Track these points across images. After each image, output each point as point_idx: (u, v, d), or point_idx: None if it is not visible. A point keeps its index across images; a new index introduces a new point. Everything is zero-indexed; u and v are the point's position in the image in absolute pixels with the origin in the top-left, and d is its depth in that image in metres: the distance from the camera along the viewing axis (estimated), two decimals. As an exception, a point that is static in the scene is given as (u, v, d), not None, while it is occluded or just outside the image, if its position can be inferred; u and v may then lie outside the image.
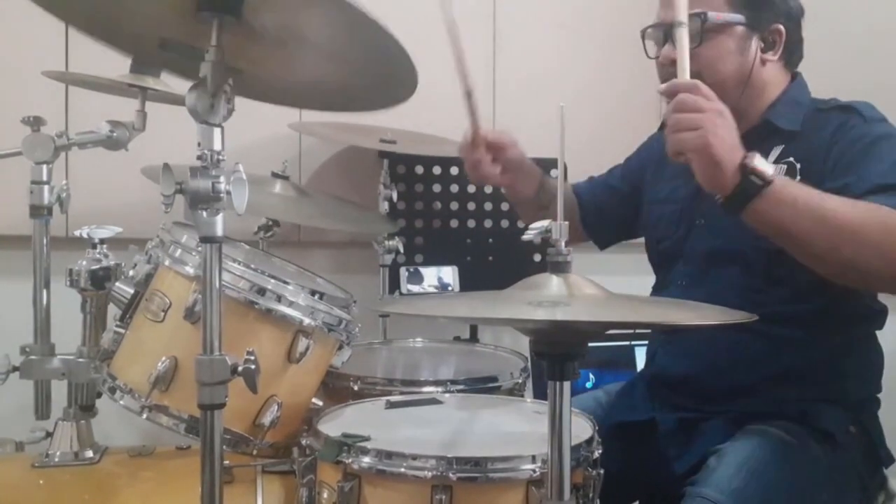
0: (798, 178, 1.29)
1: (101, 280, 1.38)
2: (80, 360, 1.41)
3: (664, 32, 1.37)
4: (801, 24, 1.40)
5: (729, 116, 1.17)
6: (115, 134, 1.44)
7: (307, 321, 1.24)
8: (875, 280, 1.20)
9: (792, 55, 1.40)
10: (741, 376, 1.35)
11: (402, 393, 1.42)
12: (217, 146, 1.00)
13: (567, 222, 0.95)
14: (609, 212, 1.67)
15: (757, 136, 1.35)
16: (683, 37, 1.21)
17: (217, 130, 1.00)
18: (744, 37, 1.35)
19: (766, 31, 1.36)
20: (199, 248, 1.01)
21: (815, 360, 1.33)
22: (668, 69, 1.32)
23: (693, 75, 1.26)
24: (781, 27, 1.36)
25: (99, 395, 1.40)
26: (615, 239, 1.71)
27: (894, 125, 1.30)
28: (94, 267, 1.39)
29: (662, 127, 1.49)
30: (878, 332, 1.40)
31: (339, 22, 1.00)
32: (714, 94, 1.17)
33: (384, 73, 1.10)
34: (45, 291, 1.45)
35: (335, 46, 1.05)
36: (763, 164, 1.14)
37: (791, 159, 1.32)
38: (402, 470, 1.02)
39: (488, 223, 2.10)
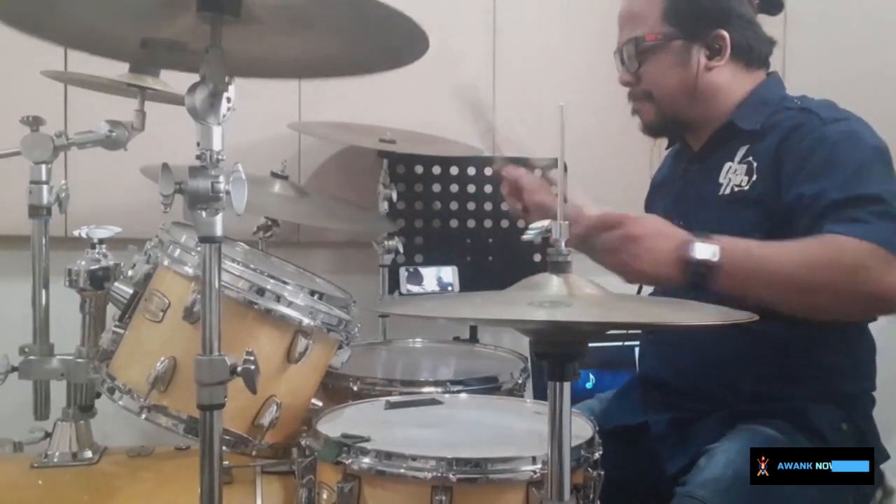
0: (755, 176, 1.32)
1: (100, 280, 1.38)
2: (79, 360, 1.40)
3: (619, 56, 1.47)
4: (753, 24, 1.42)
5: (645, 228, 1.19)
6: (114, 134, 1.44)
7: (306, 321, 1.24)
8: (853, 314, 1.26)
9: (749, 55, 1.41)
10: (730, 376, 1.35)
11: (401, 393, 1.41)
12: (216, 146, 0.99)
13: (567, 222, 0.95)
14: None
15: (722, 138, 1.40)
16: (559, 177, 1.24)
17: (216, 130, 1.00)
18: (682, 49, 1.39)
19: (708, 38, 1.39)
20: (199, 248, 1.00)
21: (805, 358, 1.33)
22: (628, 87, 1.47)
23: (644, 94, 1.43)
24: (724, 32, 1.39)
25: (98, 395, 1.40)
26: None
27: (854, 122, 1.30)
28: (93, 267, 1.38)
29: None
30: (871, 328, 1.39)
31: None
32: (621, 217, 1.20)
33: (389, 37, 1.08)
34: (44, 291, 1.44)
35: (332, 19, 1.03)
36: (702, 252, 1.16)
37: (750, 158, 1.34)
38: (402, 471, 1.02)
39: (488, 223, 2.10)
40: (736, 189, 1.34)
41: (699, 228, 1.28)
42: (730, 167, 1.37)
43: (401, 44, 1.07)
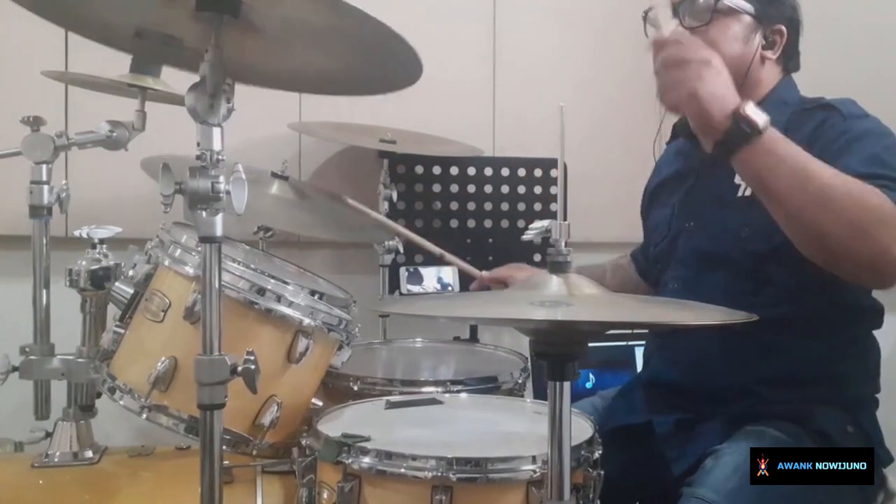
0: None
1: (100, 280, 1.38)
2: (80, 360, 1.40)
3: (673, 8, 1.37)
4: (799, 33, 1.41)
5: (718, 64, 1.15)
6: (114, 134, 1.44)
7: (307, 321, 1.24)
8: (850, 261, 1.15)
9: (789, 59, 1.41)
10: (736, 378, 1.35)
11: (402, 393, 1.41)
12: (216, 146, 1.00)
13: (567, 222, 0.95)
14: (647, 251, 1.64)
15: None
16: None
17: (217, 130, 1.00)
18: (750, 27, 1.37)
19: (770, 28, 1.38)
20: (199, 248, 1.01)
21: (811, 360, 1.32)
22: None
23: None
24: (784, 28, 1.38)
25: (98, 395, 1.40)
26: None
27: (876, 120, 1.30)
28: (93, 267, 1.38)
29: (673, 137, 1.52)
30: (876, 332, 1.39)
31: (334, 15, 0.99)
32: (702, 42, 1.18)
33: (386, 60, 1.09)
34: (44, 291, 1.44)
35: (332, 37, 1.04)
36: (756, 114, 1.12)
37: None
38: (402, 470, 1.02)
39: (488, 223, 2.10)
40: None
41: (715, 229, 1.27)
42: None
43: (396, 67, 1.08)
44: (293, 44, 1.08)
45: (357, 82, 1.22)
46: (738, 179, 1.34)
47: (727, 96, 1.14)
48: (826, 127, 1.29)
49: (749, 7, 1.36)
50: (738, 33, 1.36)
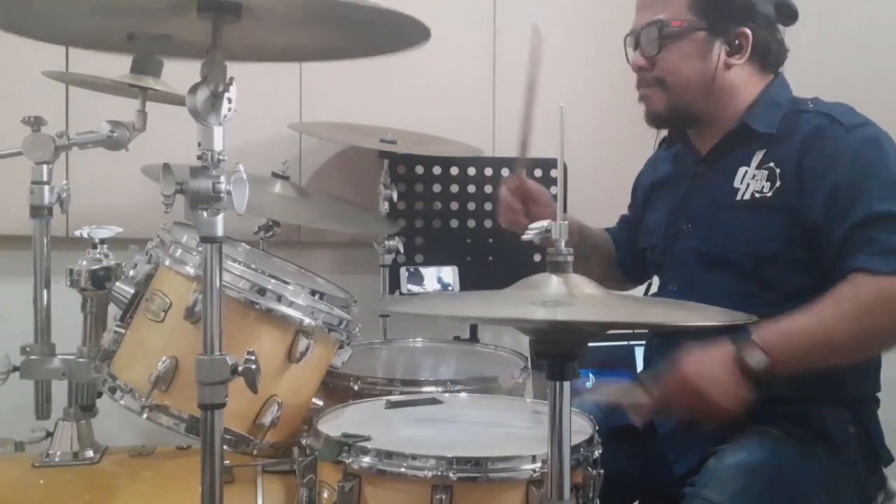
0: (778, 182, 1.30)
1: (101, 280, 1.38)
2: (81, 359, 1.40)
3: (634, 38, 1.42)
4: (772, 27, 1.40)
5: (696, 379, 1.20)
6: (115, 134, 1.44)
7: (307, 321, 1.24)
8: None
9: (766, 57, 1.40)
10: None
11: (402, 393, 1.42)
12: (217, 146, 1.00)
13: (567, 223, 0.95)
14: (635, 244, 1.64)
15: (736, 140, 1.38)
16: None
17: (217, 130, 1.00)
18: (705, 42, 1.37)
19: (731, 35, 1.37)
20: (200, 248, 1.01)
21: None
22: (640, 73, 1.41)
23: (657, 80, 1.39)
24: (748, 31, 1.37)
25: (99, 394, 1.40)
26: (647, 274, 1.65)
27: (873, 127, 1.30)
28: (94, 267, 1.39)
29: (661, 144, 1.53)
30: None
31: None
32: (672, 385, 1.22)
33: (389, 29, 1.09)
34: (45, 291, 1.44)
35: (333, 17, 1.04)
36: (751, 358, 1.19)
37: (771, 164, 1.32)
38: (403, 470, 1.02)
39: (488, 223, 2.10)
40: (757, 195, 1.32)
41: (715, 231, 1.28)
42: (746, 172, 1.34)
43: (402, 32, 1.07)
44: (294, 25, 1.07)
45: (364, 49, 1.21)
46: (737, 183, 1.35)
47: (733, 384, 1.20)
48: (824, 137, 1.28)
49: (699, 23, 1.36)
50: (693, 51, 1.37)
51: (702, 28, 1.36)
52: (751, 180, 1.34)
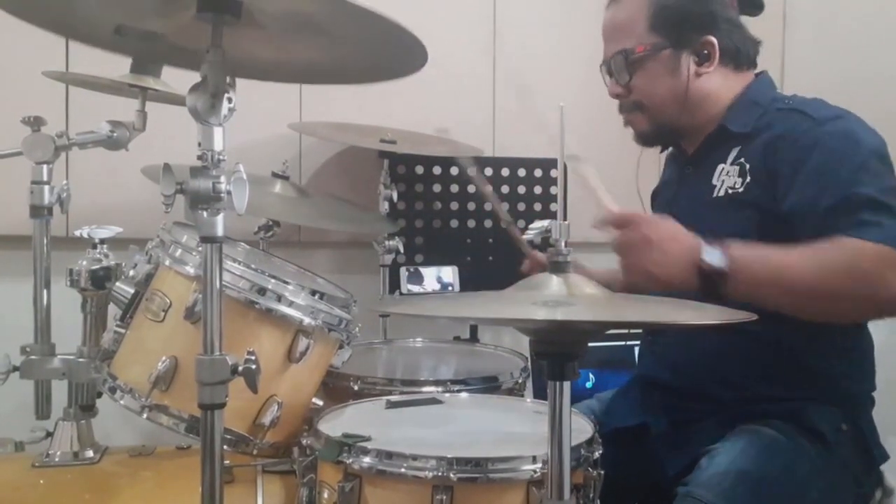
0: (748, 178, 1.31)
1: (101, 280, 1.38)
2: (81, 359, 1.40)
3: (606, 68, 1.46)
4: (739, 26, 1.42)
5: (658, 232, 1.19)
6: (115, 134, 1.44)
7: (307, 321, 1.24)
8: (864, 319, 1.27)
9: (737, 58, 1.41)
10: (730, 376, 1.35)
11: (402, 393, 1.42)
12: (217, 146, 1.00)
13: (567, 222, 0.95)
14: None
15: (715, 141, 1.40)
16: (586, 172, 1.22)
17: (217, 130, 1.00)
18: (672, 58, 1.39)
19: (697, 45, 1.39)
20: (200, 248, 1.01)
21: (805, 358, 1.33)
22: (618, 99, 1.46)
23: (635, 105, 1.42)
24: (712, 38, 1.38)
25: (99, 394, 1.40)
26: None
27: (847, 119, 1.29)
28: (94, 267, 1.39)
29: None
30: (872, 330, 1.39)
31: (335, 11, 0.99)
32: (636, 217, 1.22)
33: (391, 49, 1.09)
34: (45, 291, 1.44)
35: (334, 30, 1.04)
36: (712, 258, 1.17)
37: (742, 160, 1.34)
38: (403, 470, 1.03)
39: (488, 223, 2.10)
40: (730, 191, 1.34)
41: (695, 231, 1.28)
42: (723, 169, 1.37)
43: (401, 55, 1.08)
44: (294, 38, 1.07)
45: (361, 72, 1.22)
46: (714, 180, 1.37)
47: (680, 261, 1.18)
48: (796, 134, 1.29)
49: (663, 42, 1.38)
50: (663, 70, 1.39)
51: (666, 46, 1.38)
52: (725, 177, 1.36)
